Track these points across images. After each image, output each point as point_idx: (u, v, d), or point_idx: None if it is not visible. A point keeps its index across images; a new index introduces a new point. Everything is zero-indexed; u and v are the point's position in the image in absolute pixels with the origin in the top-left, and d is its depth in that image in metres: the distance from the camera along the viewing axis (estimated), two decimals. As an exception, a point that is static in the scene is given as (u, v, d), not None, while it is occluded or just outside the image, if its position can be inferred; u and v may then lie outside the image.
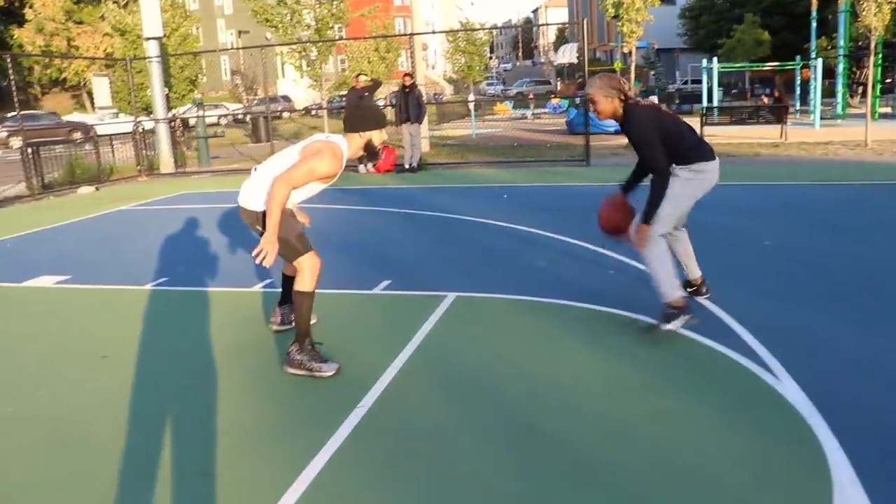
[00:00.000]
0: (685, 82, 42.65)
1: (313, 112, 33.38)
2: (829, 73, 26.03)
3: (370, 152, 4.44)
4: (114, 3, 29.90)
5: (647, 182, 4.57)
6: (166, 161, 17.41)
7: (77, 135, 26.64)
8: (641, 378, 3.92)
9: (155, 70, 17.27)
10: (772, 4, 42.97)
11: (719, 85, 25.57)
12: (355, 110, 4.47)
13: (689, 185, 4.53)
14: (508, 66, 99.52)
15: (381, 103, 19.17)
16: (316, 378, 4.15)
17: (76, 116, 36.19)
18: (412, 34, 18.41)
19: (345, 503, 2.90)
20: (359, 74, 16.17)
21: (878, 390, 3.60)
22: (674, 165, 4.48)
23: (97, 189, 14.75)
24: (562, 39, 79.54)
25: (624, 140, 17.95)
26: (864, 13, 14.39)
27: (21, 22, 53.49)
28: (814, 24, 25.14)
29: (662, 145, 4.38)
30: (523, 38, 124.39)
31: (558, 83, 53.47)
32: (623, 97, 4.41)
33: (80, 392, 4.18)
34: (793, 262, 6.13)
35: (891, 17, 14.46)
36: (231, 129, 33.57)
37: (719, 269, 5.88)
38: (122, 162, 17.28)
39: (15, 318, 5.78)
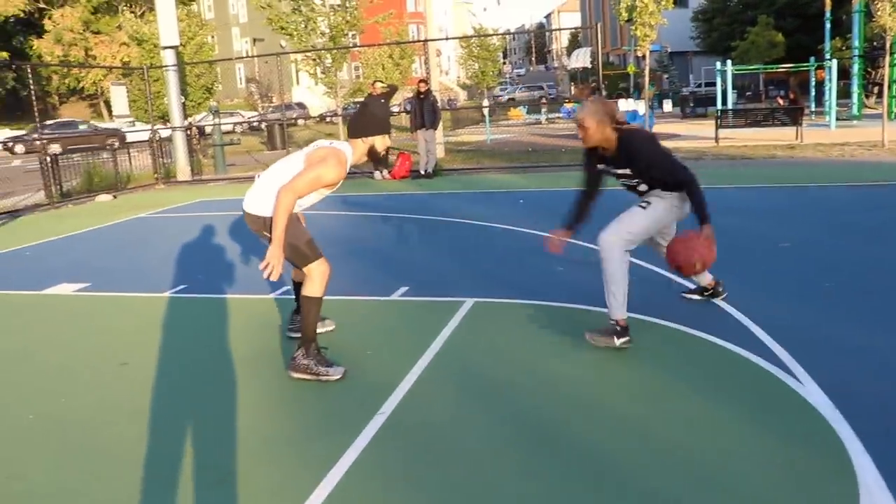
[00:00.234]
0: (699, 85, 42.47)
1: (328, 119, 33.49)
2: (843, 73, 25.87)
3: (374, 158, 4.38)
4: (131, 12, 30.17)
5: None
6: (183, 169, 17.52)
7: (113, 142, 26.78)
8: (662, 381, 3.90)
9: (172, 79, 17.41)
10: (785, 6, 42.71)
11: (733, 87, 25.45)
12: (359, 116, 4.44)
13: (671, 212, 4.45)
14: (522, 71, 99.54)
15: (395, 109, 19.17)
16: (325, 383, 4.16)
17: (109, 124, 36.48)
18: (426, 40, 18.45)
19: (367, 508, 2.91)
20: (375, 81, 16.25)
21: (902, 393, 3.57)
22: (662, 191, 4.41)
23: (115, 197, 14.86)
24: (575, 44, 79.48)
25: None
26: (878, 13, 14.30)
27: (40, 33, 54.10)
28: (828, 25, 24.99)
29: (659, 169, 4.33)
30: (536, 43, 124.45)
31: (571, 87, 53.40)
32: (616, 124, 4.27)
33: (100, 398, 4.20)
34: (812, 263, 6.09)
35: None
36: (247, 136, 33.74)
37: (737, 272, 5.86)
38: (139, 170, 17.41)
39: (36, 325, 5.82)
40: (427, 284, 6.22)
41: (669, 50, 44.77)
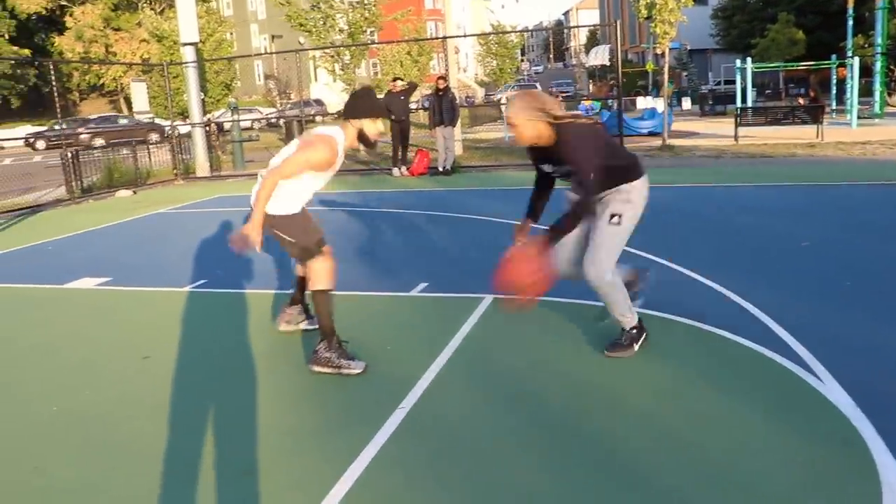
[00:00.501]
0: (718, 83, 42.27)
1: (346, 116, 33.49)
2: (865, 71, 25.63)
3: (365, 141, 4.30)
4: (151, 9, 30.32)
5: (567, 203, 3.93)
6: (202, 165, 17.62)
7: (153, 136, 27.04)
8: (682, 379, 3.89)
9: (191, 75, 17.50)
10: (806, 3, 42.38)
11: (753, 85, 25.29)
12: (350, 98, 4.37)
13: (634, 218, 4.06)
14: (539, 68, 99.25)
15: (413, 106, 19.17)
16: (345, 377, 4.19)
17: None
18: (445, 37, 18.44)
19: (389, 503, 2.92)
20: (396, 79, 16.25)
21: (925, 392, 3.54)
22: (620, 187, 4.02)
23: (135, 193, 14.98)
24: (593, 41, 79.26)
25: (658, 141, 17.87)
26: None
27: (61, 30, 54.65)
28: (850, 22, 24.78)
29: (602, 166, 3.83)
30: (554, 40, 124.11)
31: (590, 85, 53.27)
32: (551, 118, 3.81)
33: (123, 391, 4.24)
34: (832, 262, 6.05)
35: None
36: (265, 132, 33.84)
37: (758, 271, 5.84)
38: (158, 166, 17.52)
39: (59, 319, 5.88)
40: (446, 281, 6.23)
41: (689, 47, 44.53)
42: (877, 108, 22.69)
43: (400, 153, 15.19)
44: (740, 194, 9.81)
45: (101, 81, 53.67)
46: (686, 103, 34.73)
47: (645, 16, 17.53)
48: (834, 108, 25.33)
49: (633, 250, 6.72)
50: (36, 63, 47.89)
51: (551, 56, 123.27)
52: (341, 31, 20.07)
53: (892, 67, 25.49)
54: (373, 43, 28.37)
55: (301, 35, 21.83)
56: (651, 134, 20.68)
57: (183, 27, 17.32)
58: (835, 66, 25.72)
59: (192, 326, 5.39)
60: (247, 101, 49.68)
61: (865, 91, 24.79)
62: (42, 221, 11.59)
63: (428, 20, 55.68)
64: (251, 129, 34.10)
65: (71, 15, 54.26)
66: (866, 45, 28.59)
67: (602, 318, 4.54)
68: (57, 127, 15.88)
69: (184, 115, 20.84)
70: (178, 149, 17.29)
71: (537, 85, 45.40)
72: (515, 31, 51.23)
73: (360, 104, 4.29)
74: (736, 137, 17.60)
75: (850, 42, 25.08)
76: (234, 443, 3.50)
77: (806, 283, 5.53)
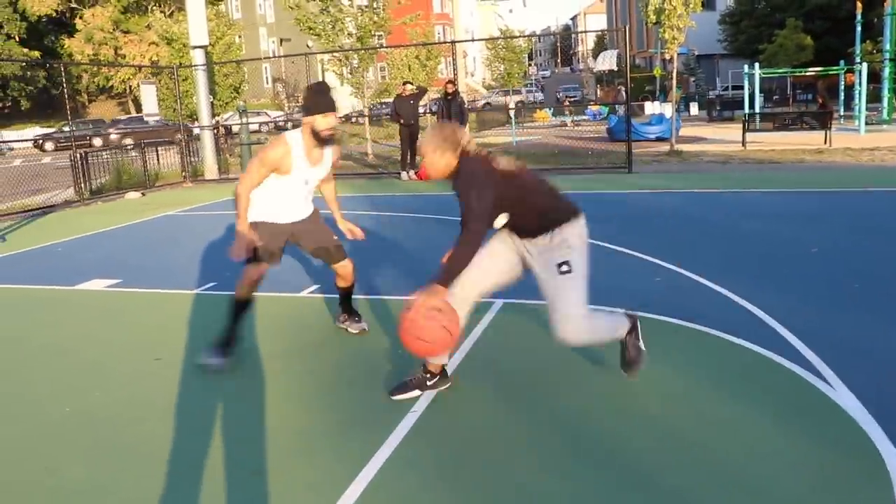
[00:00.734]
0: (726, 88, 42.17)
1: (353, 119, 33.62)
2: (874, 77, 25.58)
3: (317, 138, 4.31)
4: (160, 12, 30.44)
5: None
6: (210, 167, 17.68)
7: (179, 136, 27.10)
8: (691, 384, 3.90)
9: (200, 78, 17.58)
10: (814, 8, 42.33)
11: (760, 91, 25.26)
12: (304, 96, 4.41)
13: (582, 260, 3.70)
14: (547, 73, 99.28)
15: (422, 110, 19.20)
16: (355, 381, 4.24)
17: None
18: (453, 41, 18.47)
19: (398, 504, 2.94)
20: (405, 83, 16.28)
21: (935, 399, 3.54)
22: (558, 230, 3.67)
23: (143, 195, 15.04)
24: (601, 46, 79.23)
25: (666, 146, 17.86)
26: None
27: (71, 32, 54.93)
28: (858, 28, 24.74)
29: (501, 206, 3.62)
30: (562, 45, 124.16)
31: (598, 90, 53.24)
32: (460, 151, 3.61)
33: (133, 393, 4.27)
34: (841, 268, 6.05)
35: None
36: (273, 136, 33.93)
37: (766, 275, 5.84)
38: (166, 168, 17.60)
39: (70, 321, 5.91)
40: (454, 284, 6.23)
41: (696, 53, 44.50)
42: (885, 115, 22.65)
43: (409, 157, 15.21)
44: (748, 200, 9.81)
45: (110, 84, 53.91)
46: (694, 109, 34.70)
47: (653, 21, 17.54)
48: (842, 113, 25.29)
49: (641, 255, 6.74)
50: (46, 65, 48.14)
51: (559, 61, 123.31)
52: (350, 35, 20.09)
53: (900, 73, 25.40)
54: (381, 47, 28.41)
55: (310, 39, 21.88)
56: (659, 139, 20.66)
57: (193, 30, 17.40)
58: (843, 71, 25.68)
59: (202, 329, 5.41)
60: (255, 104, 49.85)
61: (873, 97, 24.72)
62: (51, 223, 11.65)
63: (436, 24, 55.77)
64: (259, 132, 34.17)
65: (81, 17, 54.56)
66: (874, 51, 28.54)
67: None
68: (73, 128, 15.93)
69: (193, 117, 20.91)
70: (186, 151, 17.35)
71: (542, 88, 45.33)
72: (524, 36, 51.29)
73: (308, 101, 4.34)
74: (744, 143, 17.59)
75: (858, 48, 25.03)
76: (245, 443, 3.51)
77: (814, 287, 5.53)
